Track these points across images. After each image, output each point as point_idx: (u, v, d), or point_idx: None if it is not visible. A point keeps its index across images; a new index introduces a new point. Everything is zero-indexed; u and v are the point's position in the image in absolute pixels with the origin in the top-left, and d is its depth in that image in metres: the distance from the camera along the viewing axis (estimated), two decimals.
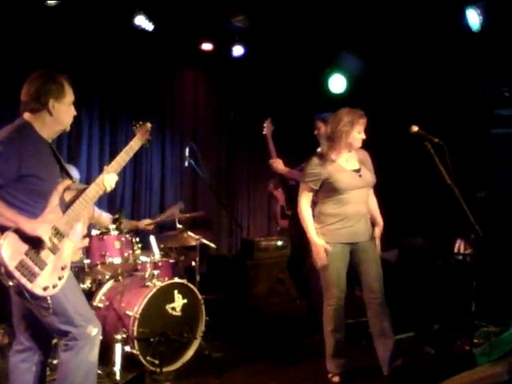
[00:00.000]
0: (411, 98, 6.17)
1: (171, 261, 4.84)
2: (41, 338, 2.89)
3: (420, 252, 5.88)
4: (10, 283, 2.53)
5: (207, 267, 6.86)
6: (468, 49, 5.55)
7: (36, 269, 2.59)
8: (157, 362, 3.95)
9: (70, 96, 2.88)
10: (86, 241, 2.98)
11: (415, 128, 3.58)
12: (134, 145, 3.09)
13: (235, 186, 7.49)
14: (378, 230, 3.97)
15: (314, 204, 3.91)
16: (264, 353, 4.67)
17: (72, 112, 2.91)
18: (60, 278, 2.68)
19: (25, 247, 2.58)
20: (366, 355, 4.03)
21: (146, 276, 4.35)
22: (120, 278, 4.41)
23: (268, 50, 6.67)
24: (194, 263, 4.99)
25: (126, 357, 3.96)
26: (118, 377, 3.83)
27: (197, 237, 4.88)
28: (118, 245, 4.36)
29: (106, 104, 6.22)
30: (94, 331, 2.80)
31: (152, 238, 4.71)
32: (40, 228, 2.60)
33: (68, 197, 2.85)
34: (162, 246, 4.83)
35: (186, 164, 5.24)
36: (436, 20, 5.28)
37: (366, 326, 4.07)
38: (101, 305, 4.26)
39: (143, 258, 4.51)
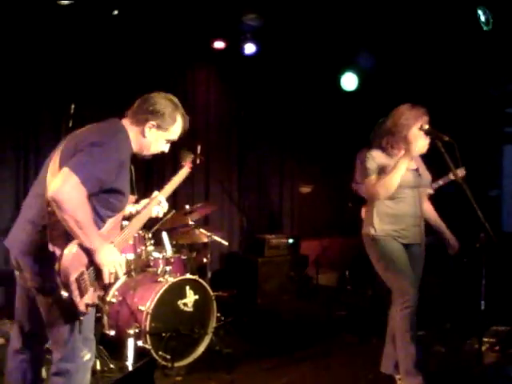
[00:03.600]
0: (424, 96, 6.16)
1: (183, 257, 4.89)
2: (39, 341, 2.77)
3: (431, 251, 5.87)
4: (63, 293, 2.38)
5: (219, 264, 6.92)
6: (481, 49, 5.54)
7: (88, 284, 2.47)
8: (168, 356, 3.99)
9: (171, 134, 2.79)
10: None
11: (426, 126, 3.60)
12: (184, 173, 3.17)
13: (247, 183, 7.51)
14: (450, 235, 3.90)
15: (365, 203, 3.81)
16: (274, 349, 4.70)
17: (161, 147, 2.82)
18: (99, 298, 2.55)
19: (86, 259, 2.47)
20: (374, 353, 4.03)
21: (159, 272, 4.41)
22: (133, 273, 4.45)
23: (280, 49, 6.68)
24: (205, 260, 5.04)
25: (139, 351, 4.01)
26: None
27: (209, 234, 4.93)
28: (130, 241, 4.42)
29: (118, 103, 6.23)
30: (87, 356, 2.64)
31: (164, 235, 4.75)
32: (111, 263, 2.50)
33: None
34: (174, 242, 4.87)
35: (198, 161, 5.28)
36: (449, 20, 5.28)
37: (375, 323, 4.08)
38: (114, 300, 4.30)
39: (156, 254, 4.56)
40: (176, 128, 2.78)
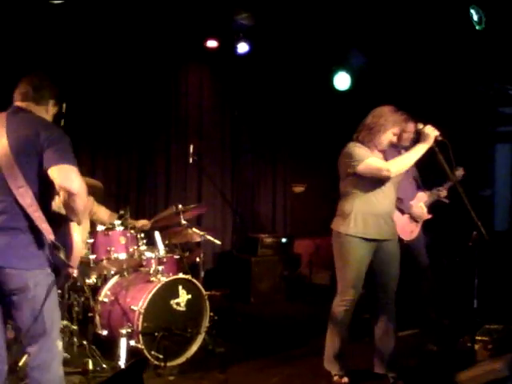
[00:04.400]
0: (415, 96, 6.17)
1: (176, 257, 4.87)
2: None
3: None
4: (75, 273, 2.74)
5: (212, 263, 6.91)
6: (472, 47, 5.55)
7: None
8: (161, 356, 3.97)
9: (58, 108, 2.98)
10: None
11: (420, 125, 3.60)
12: None
13: (240, 182, 7.51)
14: None
15: (341, 197, 3.81)
16: (267, 349, 4.69)
17: None
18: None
19: None
20: (369, 353, 4.03)
21: (151, 271, 4.38)
22: (125, 273, 4.46)
23: (273, 48, 6.68)
24: (198, 259, 5.02)
25: (131, 351, 3.99)
26: None
27: (201, 233, 4.91)
28: (123, 240, 4.41)
29: (111, 101, 6.21)
30: (60, 345, 2.74)
31: (157, 234, 4.73)
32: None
33: None
34: (166, 242, 4.85)
35: (191, 161, 5.28)
36: (439, 18, 5.28)
37: (368, 322, 4.08)
38: (106, 300, 4.30)
39: (148, 254, 4.54)
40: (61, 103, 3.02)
